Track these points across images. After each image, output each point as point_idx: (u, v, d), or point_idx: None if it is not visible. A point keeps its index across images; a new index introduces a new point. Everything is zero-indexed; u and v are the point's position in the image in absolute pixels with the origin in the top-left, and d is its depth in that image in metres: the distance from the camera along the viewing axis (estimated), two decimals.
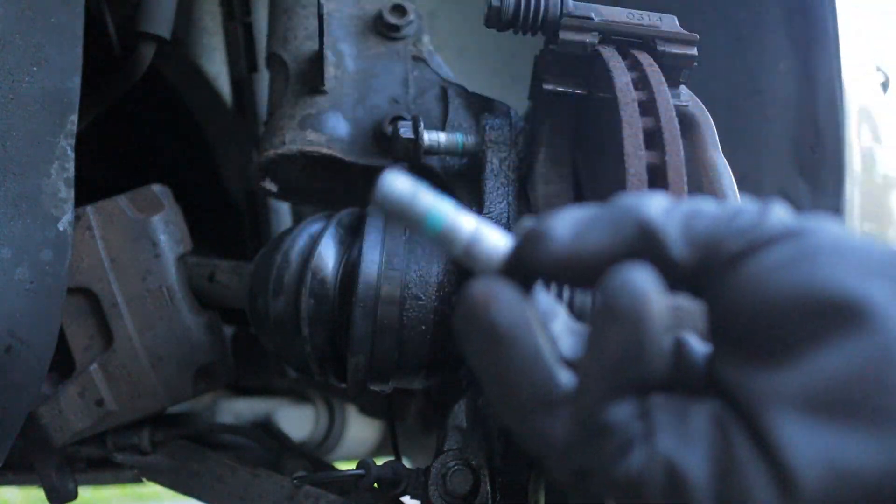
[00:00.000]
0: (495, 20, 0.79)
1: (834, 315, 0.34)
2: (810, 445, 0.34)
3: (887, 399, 0.33)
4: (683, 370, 0.41)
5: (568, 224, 0.41)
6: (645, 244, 0.39)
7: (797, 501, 0.33)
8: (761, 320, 0.36)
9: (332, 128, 0.89)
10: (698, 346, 0.42)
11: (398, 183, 0.41)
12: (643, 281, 0.36)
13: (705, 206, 0.40)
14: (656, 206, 0.40)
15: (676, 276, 0.40)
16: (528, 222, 0.42)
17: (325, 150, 0.88)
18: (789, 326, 0.35)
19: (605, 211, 0.41)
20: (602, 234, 0.40)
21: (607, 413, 0.37)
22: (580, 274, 0.40)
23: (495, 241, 0.42)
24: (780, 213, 0.39)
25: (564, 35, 0.74)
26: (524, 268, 0.41)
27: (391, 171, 0.41)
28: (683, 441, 0.36)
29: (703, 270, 0.39)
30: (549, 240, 0.40)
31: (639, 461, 0.36)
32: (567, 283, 0.41)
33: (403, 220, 0.41)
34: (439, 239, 0.41)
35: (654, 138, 0.64)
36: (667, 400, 0.38)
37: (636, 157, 0.62)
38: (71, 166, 0.79)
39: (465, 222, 0.42)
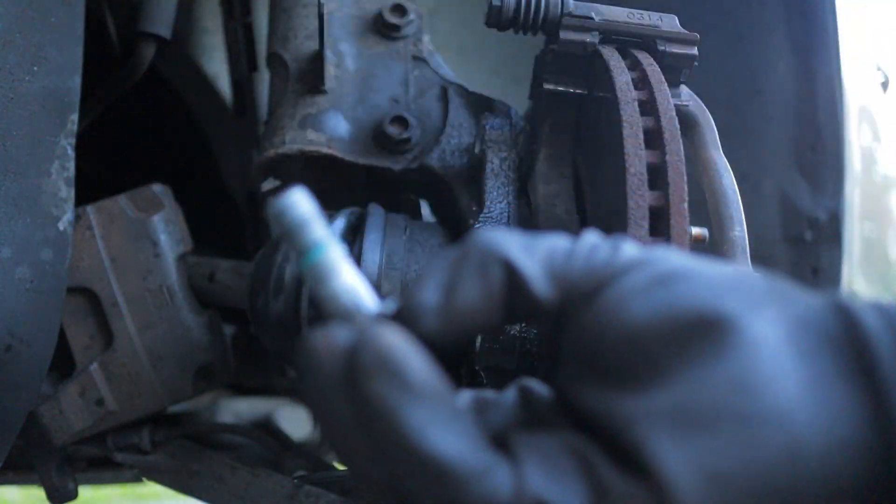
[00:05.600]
0: (496, 20, 0.78)
1: (694, 332, 0.36)
2: (682, 456, 0.34)
3: (752, 403, 0.34)
4: (532, 412, 0.42)
5: (435, 290, 0.40)
6: (512, 286, 0.40)
7: None
8: (623, 345, 0.37)
9: (333, 127, 0.89)
10: (541, 389, 0.43)
11: (299, 204, 0.41)
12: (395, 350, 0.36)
13: (561, 243, 0.41)
14: (516, 246, 0.40)
15: (541, 315, 0.41)
16: (390, 304, 0.41)
17: (325, 150, 0.88)
18: (651, 347, 0.36)
19: (469, 260, 0.40)
20: (472, 288, 0.39)
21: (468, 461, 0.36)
22: (465, 335, 0.40)
23: (367, 301, 0.41)
24: (630, 248, 0.41)
25: (565, 35, 0.74)
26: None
27: (294, 190, 0.41)
28: (550, 477, 0.35)
29: (565, 305, 0.40)
30: (422, 316, 0.39)
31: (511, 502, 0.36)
32: (454, 344, 0.41)
33: (290, 238, 0.41)
34: (313, 271, 0.41)
35: (654, 138, 0.64)
36: (528, 439, 0.38)
37: (636, 156, 0.62)
38: (71, 166, 0.79)
39: (345, 271, 0.41)
